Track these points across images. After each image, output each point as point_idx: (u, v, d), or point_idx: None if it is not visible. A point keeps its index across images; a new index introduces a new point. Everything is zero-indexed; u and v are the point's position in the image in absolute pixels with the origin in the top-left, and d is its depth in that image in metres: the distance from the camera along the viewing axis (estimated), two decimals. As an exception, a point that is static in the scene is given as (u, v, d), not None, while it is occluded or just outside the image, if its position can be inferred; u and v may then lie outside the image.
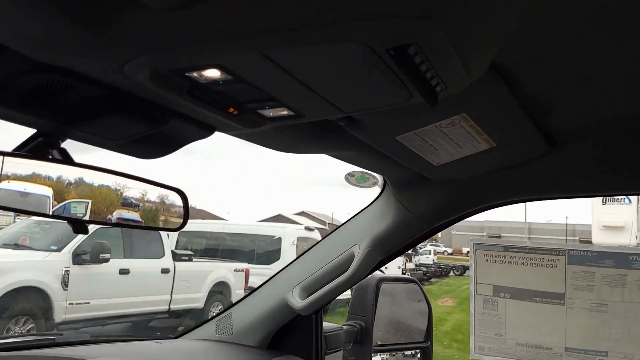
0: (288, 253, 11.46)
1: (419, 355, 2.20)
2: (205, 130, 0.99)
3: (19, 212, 1.05)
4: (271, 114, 0.87)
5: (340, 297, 1.79)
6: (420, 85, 0.71)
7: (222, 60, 0.69)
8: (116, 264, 8.57)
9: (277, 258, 11.67)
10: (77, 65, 0.74)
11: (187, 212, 1.08)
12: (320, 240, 1.79)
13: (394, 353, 2.19)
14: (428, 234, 1.65)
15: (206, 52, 0.67)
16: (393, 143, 1.13)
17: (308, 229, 13.51)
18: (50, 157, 0.88)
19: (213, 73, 0.71)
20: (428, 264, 28.34)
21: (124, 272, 8.72)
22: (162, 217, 1.18)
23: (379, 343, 2.01)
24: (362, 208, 1.69)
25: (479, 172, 1.36)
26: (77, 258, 8.11)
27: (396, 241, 1.62)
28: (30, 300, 7.54)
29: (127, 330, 8.95)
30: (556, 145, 1.25)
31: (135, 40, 0.66)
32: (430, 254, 30.98)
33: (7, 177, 0.89)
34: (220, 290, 10.68)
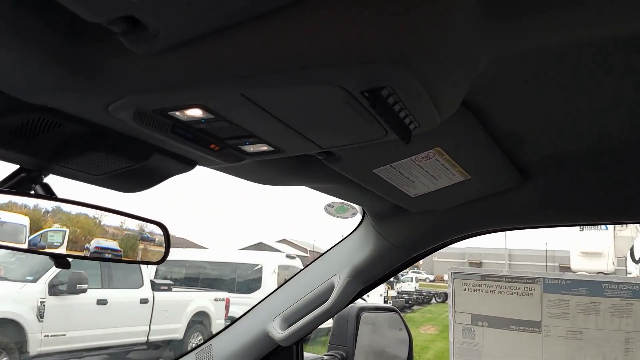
0: (269, 281, 11.35)
1: (400, 385, 2.20)
2: (187, 165, 1.01)
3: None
4: (251, 149, 0.89)
5: (321, 326, 1.79)
6: (394, 124, 0.74)
7: (203, 101, 0.71)
8: (94, 294, 8.39)
9: (258, 287, 11.54)
10: (63, 106, 0.76)
11: (168, 245, 1.08)
12: (301, 271, 1.80)
13: (375, 383, 2.18)
14: (407, 264, 1.67)
15: (189, 93, 0.69)
16: (370, 176, 1.15)
17: (289, 257, 13.42)
18: (33, 192, 0.89)
19: (195, 112, 0.74)
20: (410, 292, 28.24)
21: (101, 302, 8.53)
22: (141, 246, 1.18)
23: (360, 373, 2.00)
24: (342, 238, 1.71)
25: (454, 203, 1.39)
26: (54, 289, 7.93)
27: (376, 271, 1.64)
28: (4, 333, 7.32)
29: (104, 363, 8.73)
30: (529, 176, 1.29)
31: (120, 83, 0.69)
32: (412, 281, 30.90)
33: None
34: (200, 320, 10.49)
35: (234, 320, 1.83)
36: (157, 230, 1.08)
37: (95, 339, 8.42)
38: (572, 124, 1.08)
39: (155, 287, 9.79)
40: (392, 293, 23.26)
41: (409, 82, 0.67)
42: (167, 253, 1.08)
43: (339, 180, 1.24)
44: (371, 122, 0.77)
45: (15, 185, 0.88)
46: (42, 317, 7.70)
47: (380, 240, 1.57)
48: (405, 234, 1.55)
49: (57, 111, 0.77)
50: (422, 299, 28.06)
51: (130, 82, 0.69)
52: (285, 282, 1.80)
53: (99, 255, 1.11)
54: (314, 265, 1.74)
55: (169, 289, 10.39)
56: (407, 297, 25.84)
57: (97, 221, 1.08)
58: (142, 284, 9.48)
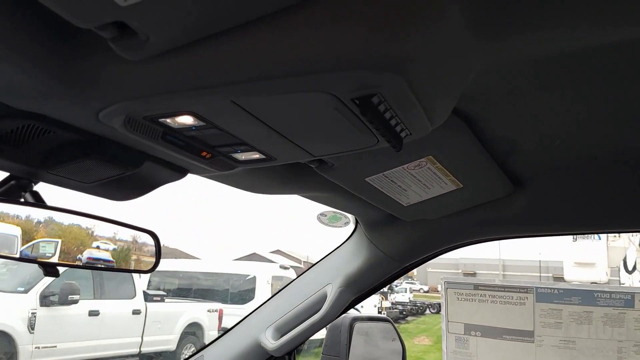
0: (263, 292, 11.29)
1: (393, 396, 2.18)
2: (178, 173, 1.00)
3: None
4: (243, 157, 0.89)
5: (314, 337, 1.78)
6: (385, 132, 0.74)
7: (194, 108, 0.71)
8: (86, 305, 8.32)
9: (252, 297, 11.48)
10: (53, 112, 0.76)
11: (159, 254, 1.08)
12: (293, 280, 1.79)
13: (368, 394, 2.16)
14: (400, 273, 1.67)
15: (179, 100, 0.69)
16: (362, 184, 1.15)
17: (283, 267, 13.36)
18: (23, 200, 0.88)
19: (186, 119, 0.74)
20: (404, 302, 28.15)
21: (93, 313, 8.46)
22: (134, 257, 1.17)
23: (353, 384, 1.99)
24: (335, 248, 1.71)
25: (447, 212, 1.39)
26: (45, 300, 7.85)
27: (368, 280, 1.63)
28: (-7, 345, 7.25)
29: (96, 374, 8.63)
30: (521, 185, 1.30)
31: (111, 89, 0.69)
32: (406, 292, 30.82)
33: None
34: (193, 331, 10.41)
35: (226, 331, 1.82)
36: (150, 241, 1.07)
37: (87, 351, 8.34)
38: (564, 133, 1.09)
39: (147, 298, 9.71)
40: (386, 304, 23.17)
41: (400, 89, 0.67)
42: (157, 262, 1.07)
43: (331, 189, 1.24)
44: (362, 129, 0.77)
45: (5, 193, 0.87)
46: (33, 328, 7.62)
47: (372, 250, 1.57)
48: (397, 243, 1.54)
49: (47, 118, 0.76)
50: (416, 310, 27.98)
51: (120, 89, 0.68)
52: (278, 292, 1.79)
53: (91, 265, 1.10)
54: (307, 275, 1.74)
55: (162, 300, 10.31)
56: (401, 307, 25.76)
57: (90, 232, 1.07)
58: (135, 295, 9.41)
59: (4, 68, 0.63)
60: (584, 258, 9.65)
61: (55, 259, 1.02)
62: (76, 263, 1.09)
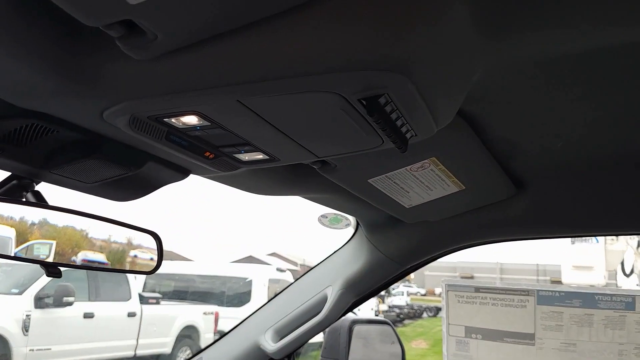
0: (259, 295, 11.26)
1: (392, 399, 2.18)
2: (180, 173, 1.00)
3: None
4: (246, 158, 0.88)
5: (312, 340, 1.77)
6: (391, 133, 0.74)
7: (199, 107, 0.70)
8: (80, 307, 8.27)
9: (248, 300, 11.44)
10: (57, 111, 0.75)
11: (161, 255, 1.07)
12: (293, 283, 1.78)
13: (367, 397, 2.16)
14: (401, 275, 1.66)
15: (185, 99, 0.68)
16: (365, 186, 1.15)
17: (280, 270, 13.34)
18: (24, 199, 0.87)
19: (191, 119, 0.73)
20: (401, 305, 28.13)
21: (88, 316, 8.41)
22: (129, 259, 1.16)
23: (352, 387, 1.98)
24: (335, 250, 1.70)
25: (449, 214, 1.39)
26: (40, 302, 7.80)
27: (369, 282, 1.63)
28: (-13, 347, 7.20)
29: (91, 377, 8.58)
30: (523, 187, 1.29)
31: (116, 88, 0.68)
32: (403, 295, 30.81)
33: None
34: (188, 334, 10.37)
35: (225, 333, 1.81)
36: (146, 242, 1.06)
37: (82, 353, 8.29)
38: (567, 135, 1.08)
39: (143, 300, 9.68)
40: (384, 307, 23.17)
41: (407, 90, 0.67)
42: (159, 263, 1.06)
43: (333, 191, 1.23)
44: (367, 130, 0.76)
45: (6, 192, 0.86)
46: (27, 330, 7.58)
47: (373, 252, 1.56)
48: (398, 246, 1.54)
49: (51, 117, 0.76)
50: (414, 313, 27.96)
51: (126, 88, 0.68)
52: (278, 294, 1.78)
53: (92, 266, 1.09)
54: (307, 277, 1.73)
55: (158, 303, 10.27)
56: (398, 311, 25.74)
57: (85, 233, 1.06)
58: (130, 297, 9.37)
59: (10, 66, 0.63)
60: (582, 261, 9.67)
61: (50, 261, 1.01)
62: (76, 264, 1.08)
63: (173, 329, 10.05)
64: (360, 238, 1.59)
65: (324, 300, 1.59)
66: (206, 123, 0.74)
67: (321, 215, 1.57)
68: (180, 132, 0.77)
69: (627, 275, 9.72)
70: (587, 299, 1.45)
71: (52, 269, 0.91)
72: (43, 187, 0.92)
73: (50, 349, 7.85)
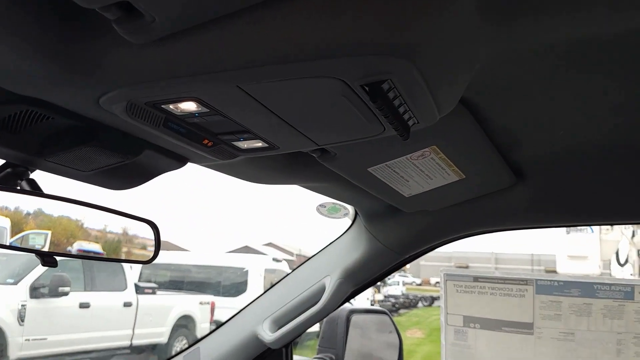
0: (255, 285, 11.29)
1: (389, 388, 2.18)
2: (178, 162, 0.98)
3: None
4: (245, 145, 0.87)
5: (309, 330, 1.77)
6: (393, 120, 0.73)
7: (198, 93, 0.69)
8: (76, 297, 8.28)
9: (244, 290, 11.48)
10: (52, 97, 0.73)
11: (158, 245, 1.05)
12: (291, 272, 1.77)
13: (364, 386, 2.16)
14: (399, 265, 1.65)
15: (183, 85, 0.67)
16: (364, 174, 1.14)
17: (276, 260, 13.37)
18: (19, 187, 0.86)
19: (189, 106, 0.71)
20: (397, 295, 28.29)
21: (84, 305, 8.42)
22: (124, 249, 1.15)
23: (349, 376, 1.98)
24: (333, 239, 1.69)
25: (448, 203, 1.38)
26: (35, 292, 7.80)
27: (367, 272, 1.62)
28: (-17, 337, 7.20)
29: (87, 367, 8.60)
30: (523, 177, 1.28)
31: (113, 74, 0.66)
32: (398, 284, 30.97)
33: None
34: (185, 324, 10.40)
35: (222, 323, 1.80)
36: (142, 232, 1.05)
37: (78, 343, 8.30)
38: (568, 124, 1.07)
39: (139, 290, 9.69)
40: (379, 297, 23.30)
41: (411, 76, 0.65)
42: (157, 253, 1.05)
43: (331, 179, 1.22)
44: (369, 117, 0.75)
45: (0, 180, 0.85)
46: (22, 320, 7.58)
47: (372, 241, 1.55)
48: (397, 235, 1.53)
49: (47, 103, 0.74)
50: (409, 303, 28.14)
51: (123, 74, 0.66)
52: (275, 284, 1.77)
53: (90, 256, 1.07)
54: (304, 267, 1.72)
55: (154, 292, 10.28)
56: (393, 300, 25.90)
57: (80, 223, 1.05)
58: (126, 287, 9.38)
59: (4, 51, 0.61)
60: (577, 251, 9.72)
61: (45, 251, 0.99)
62: (72, 253, 1.07)
63: (169, 319, 10.08)
64: (358, 227, 1.58)
65: (322, 289, 1.58)
66: (205, 110, 0.72)
67: (319, 205, 1.56)
68: (178, 119, 0.75)
69: (622, 265, 9.78)
70: (586, 288, 1.45)
71: (47, 259, 0.90)
72: (38, 176, 0.90)
73: (46, 338, 7.86)
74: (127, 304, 9.28)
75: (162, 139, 0.83)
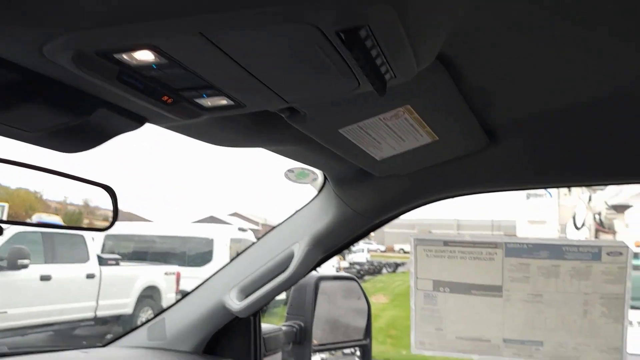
0: (221, 254, 11.26)
1: (358, 353, 2.20)
2: (135, 122, 0.91)
3: None
4: (209, 103, 0.80)
5: (278, 297, 1.74)
6: (369, 72, 0.68)
7: (156, 41, 0.62)
8: (36, 269, 8.08)
9: (210, 260, 11.45)
10: None
11: (116, 210, 0.98)
12: (258, 240, 1.73)
13: (333, 352, 2.17)
14: (369, 230, 1.63)
15: (139, 31, 0.59)
16: (335, 136, 1.09)
17: (241, 230, 13.33)
18: None
19: (145, 55, 0.64)
20: (361, 262, 28.70)
21: (45, 278, 8.23)
22: (86, 220, 1.08)
23: (318, 343, 1.98)
24: (302, 206, 1.65)
25: (420, 166, 1.35)
26: (-8, 265, 7.59)
27: (337, 238, 1.59)
28: (-61, 312, 6.98)
29: (50, 340, 8.45)
30: (497, 139, 1.26)
31: (57, 17, 0.58)
32: (363, 252, 31.39)
33: None
34: (150, 294, 10.34)
35: (187, 293, 1.76)
36: (103, 202, 0.98)
37: (40, 316, 8.14)
38: (545, 82, 1.05)
39: (102, 261, 9.55)
40: (344, 264, 23.60)
41: (390, 22, 0.60)
42: (115, 218, 0.99)
43: (300, 142, 1.17)
44: (344, 71, 0.70)
45: None
46: (-20, 295, 7.37)
47: (341, 207, 1.52)
48: (368, 200, 1.50)
49: None
50: (374, 269, 28.62)
51: (68, 16, 0.58)
52: (242, 252, 1.72)
53: (45, 224, 1.00)
54: (272, 234, 1.68)
55: (117, 264, 10.16)
56: (358, 267, 26.27)
57: (39, 195, 0.97)
58: (88, 259, 9.24)
59: None
60: (536, 216, 10.01)
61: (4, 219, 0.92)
62: (31, 222, 0.99)
63: (134, 290, 10.00)
64: (328, 193, 1.54)
65: (290, 257, 1.54)
66: (164, 60, 0.65)
67: (288, 170, 1.51)
68: (134, 71, 0.68)
69: (578, 229, 10.12)
70: (554, 250, 1.45)
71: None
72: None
73: (6, 312, 7.67)
74: (90, 276, 9.16)
75: (117, 95, 0.76)
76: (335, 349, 2.13)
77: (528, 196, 10.19)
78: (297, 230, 1.58)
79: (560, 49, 0.91)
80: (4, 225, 0.92)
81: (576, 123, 1.21)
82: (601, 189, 8.34)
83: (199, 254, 12.07)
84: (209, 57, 0.65)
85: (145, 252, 12.54)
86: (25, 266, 7.87)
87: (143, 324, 1.73)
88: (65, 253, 8.87)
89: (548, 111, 1.18)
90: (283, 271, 1.55)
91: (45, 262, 8.41)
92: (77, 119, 0.82)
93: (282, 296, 1.98)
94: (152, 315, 1.73)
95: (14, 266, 7.74)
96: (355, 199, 1.49)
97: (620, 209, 7.63)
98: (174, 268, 10.98)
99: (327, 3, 0.56)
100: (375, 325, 2.25)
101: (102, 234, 12.32)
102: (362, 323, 2.17)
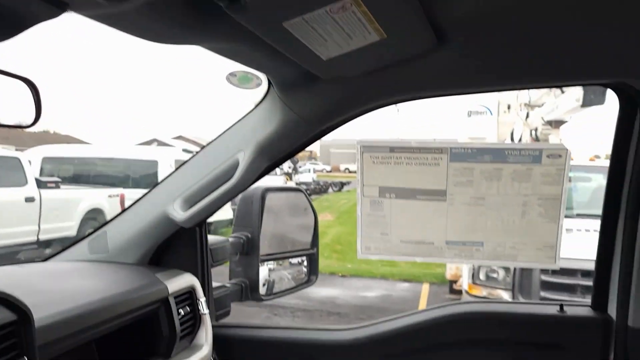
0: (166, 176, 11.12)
1: (305, 263, 2.23)
2: (55, 7, 0.81)
3: None
4: None
5: (222, 217, 1.71)
6: None
7: None
8: (-31, 195, 7.76)
9: (155, 182, 11.27)
10: None
11: (39, 106, 0.90)
12: (202, 149, 1.67)
13: (280, 262, 2.19)
14: (314, 138, 1.59)
15: None
16: (280, 30, 1.02)
17: (186, 151, 13.11)
18: None
19: None
20: (308, 182, 29.09)
21: (-20, 202, 7.93)
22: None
23: (265, 253, 1.99)
24: (246, 113, 1.59)
25: (368, 67, 1.30)
26: None
27: (283, 146, 1.55)
28: None
29: (-9, 264, 8.26)
30: (446, 39, 1.22)
31: None
32: (309, 172, 31.73)
33: None
34: (94, 217, 10.19)
35: (129, 205, 1.70)
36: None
37: (-23, 241, 7.91)
38: None
39: (41, 185, 9.24)
40: (291, 184, 23.81)
41: None
42: (38, 114, 0.90)
43: (242, 39, 1.09)
44: None
45: None
46: None
47: (287, 113, 1.47)
48: (314, 105, 1.45)
49: None
50: (320, 189, 29.12)
51: None
52: (185, 162, 1.66)
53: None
54: (215, 143, 1.62)
55: (57, 187, 9.87)
56: (305, 187, 26.62)
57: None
58: (27, 182, 8.92)
59: None
60: (477, 132, 10.30)
61: None
62: None
63: (77, 213, 9.83)
64: (272, 99, 1.48)
65: (235, 165, 1.50)
66: None
67: (229, 74, 1.43)
68: None
69: (516, 145, 10.51)
70: (497, 154, 1.47)
71: None
72: None
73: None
74: (30, 199, 8.89)
75: None
76: (282, 258, 2.15)
77: (469, 114, 10.42)
78: (241, 138, 1.53)
79: None
80: None
81: (531, 22, 1.18)
82: (539, 106, 8.58)
83: (143, 176, 11.87)
84: None
85: (87, 175, 12.24)
86: (-42, 190, 7.53)
87: (83, 237, 1.68)
88: (0, 177, 8.52)
89: (497, 10, 1.14)
90: (228, 180, 1.51)
91: (-21, 187, 8.07)
92: None
93: (229, 215, 1.95)
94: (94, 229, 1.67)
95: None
96: (300, 105, 1.45)
97: (555, 124, 7.90)
98: (118, 190, 10.79)
99: None
100: (321, 241, 2.27)
101: (38, 156, 11.86)
102: (309, 233, 2.19)
